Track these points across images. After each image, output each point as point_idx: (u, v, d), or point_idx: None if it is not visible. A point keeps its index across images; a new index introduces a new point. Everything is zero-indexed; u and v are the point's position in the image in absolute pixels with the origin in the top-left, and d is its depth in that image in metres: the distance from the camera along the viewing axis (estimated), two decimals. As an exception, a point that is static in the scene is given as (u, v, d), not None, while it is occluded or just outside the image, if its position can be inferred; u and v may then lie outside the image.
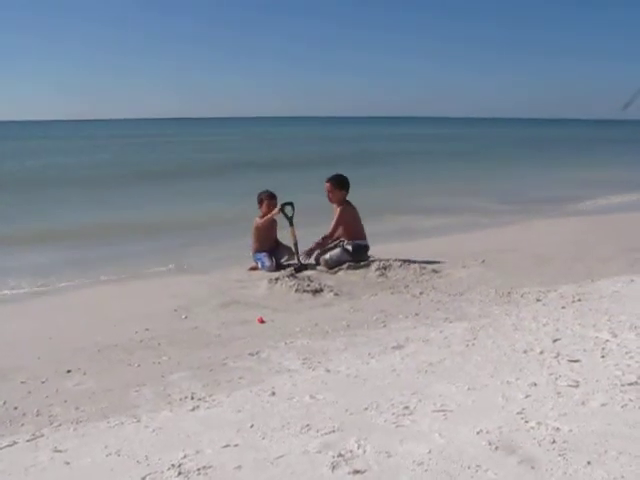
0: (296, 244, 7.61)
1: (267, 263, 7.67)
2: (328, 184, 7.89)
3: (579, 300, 5.69)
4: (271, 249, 7.93)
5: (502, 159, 28.71)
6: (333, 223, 7.78)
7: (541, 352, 4.27)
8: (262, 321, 5.57)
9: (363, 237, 7.82)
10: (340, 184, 7.87)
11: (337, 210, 7.82)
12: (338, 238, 7.87)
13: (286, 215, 7.78)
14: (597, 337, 4.51)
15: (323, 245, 7.81)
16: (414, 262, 7.42)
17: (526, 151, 37.07)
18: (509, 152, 35.41)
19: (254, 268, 7.76)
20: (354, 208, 7.89)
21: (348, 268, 7.36)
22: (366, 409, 3.47)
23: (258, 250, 7.90)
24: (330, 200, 7.93)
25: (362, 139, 53.68)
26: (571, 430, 3.03)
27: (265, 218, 7.97)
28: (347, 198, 7.90)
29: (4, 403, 3.96)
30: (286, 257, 7.93)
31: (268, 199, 8.03)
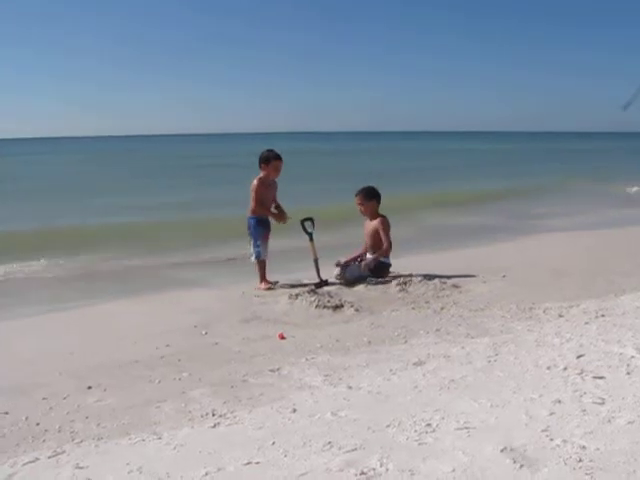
0: (316, 260, 7.59)
1: (258, 252, 7.63)
2: (358, 197, 7.98)
3: (602, 316, 5.63)
4: (265, 217, 7.78)
5: (502, 173, 28.49)
6: (384, 236, 7.78)
7: (565, 368, 4.22)
8: (283, 337, 5.55)
9: (387, 254, 7.80)
10: (369, 195, 7.95)
11: (375, 222, 7.87)
12: (365, 250, 7.90)
13: (306, 230, 7.78)
14: (622, 353, 4.45)
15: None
16: (434, 277, 7.39)
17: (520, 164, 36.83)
18: (506, 166, 35.13)
19: (264, 279, 7.62)
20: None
21: (368, 284, 7.34)
22: (388, 426, 3.43)
23: (256, 213, 7.68)
24: (363, 213, 8.01)
25: (363, 153, 53.69)
26: (598, 449, 2.98)
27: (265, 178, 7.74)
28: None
29: (26, 419, 3.97)
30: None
31: (276, 159, 7.77)
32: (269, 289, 7.44)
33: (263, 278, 7.62)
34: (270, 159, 7.76)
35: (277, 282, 7.62)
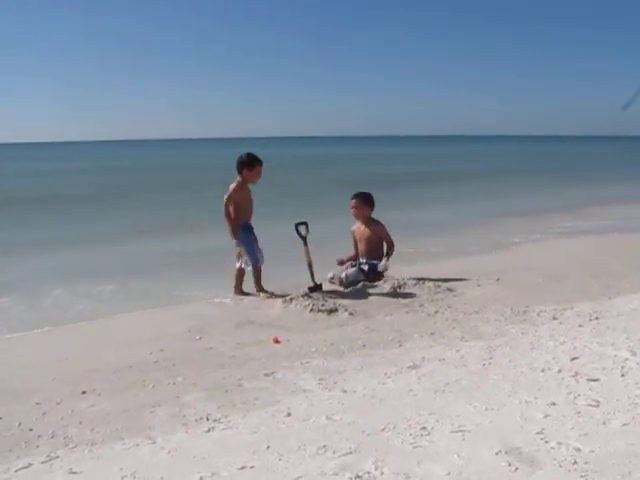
0: (310, 264, 7.58)
1: (256, 258, 7.42)
2: (354, 201, 8.13)
3: (596, 318, 5.64)
4: (249, 224, 7.58)
5: (500, 177, 28.43)
6: (389, 239, 7.95)
7: (559, 371, 4.23)
8: (277, 341, 5.54)
9: (380, 258, 7.85)
10: (365, 201, 8.11)
11: (375, 228, 7.99)
12: (357, 256, 7.95)
13: (300, 234, 7.76)
14: (616, 355, 4.46)
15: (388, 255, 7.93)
16: (429, 280, 7.39)
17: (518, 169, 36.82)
18: (505, 170, 35.09)
19: (262, 288, 7.48)
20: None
21: (363, 287, 7.34)
22: (383, 430, 3.43)
23: (240, 219, 7.43)
24: (356, 217, 8.14)
25: (354, 160, 53.58)
26: (593, 451, 2.98)
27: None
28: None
29: (19, 425, 3.95)
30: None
31: (260, 164, 7.58)
32: (269, 297, 7.26)
33: (261, 287, 7.49)
34: (254, 164, 7.57)
35: (273, 293, 7.48)
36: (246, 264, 7.50)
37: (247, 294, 7.55)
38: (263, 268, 7.59)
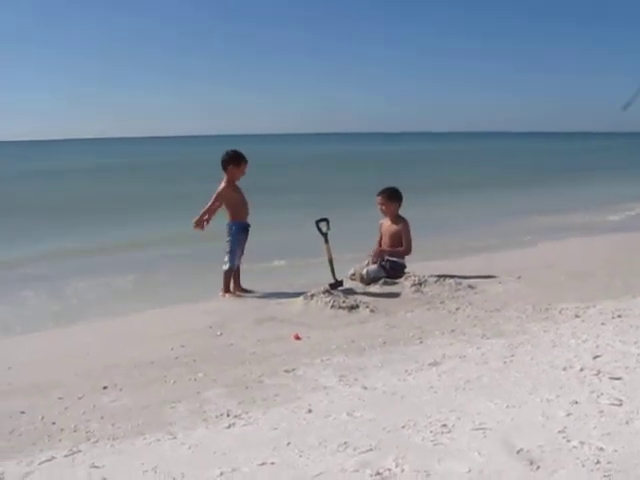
0: (331, 261, 7.57)
1: (233, 263, 7.43)
2: (379, 197, 8.11)
3: (619, 316, 5.58)
4: (246, 224, 7.60)
5: (515, 175, 28.15)
6: (407, 241, 7.92)
7: (581, 369, 4.19)
8: (298, 338, 5.55)
9: (402, 256, 7.86)
10: (391, 197, 8.09)
11: (398, 225, 8.00)
12: (383, 251, 7.93)
13: (321, 231, 7.76)
14: (639, 354, 4.41)
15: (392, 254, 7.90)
16: (450, 277, 7.36)
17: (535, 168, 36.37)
18: (519, 167, 34.70)
19: (228, 290, 7.47)
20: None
21: (384, 284, 7.33)
22: (404, 427, 3.42)
23: (237, 218, 7.48)
24: (384, 213, 8.15)
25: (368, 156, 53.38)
26: (616, 450, 2.95)
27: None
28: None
29: (42, 418, 3.99)
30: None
31: (246, 162, 7.58)
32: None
33: (227, 289, 7.48)
34: (240, 161, 7.54)
35: (251, 291, 7.59)
36: (224, 263, 7.46)
37: (246, 290, 7.59)
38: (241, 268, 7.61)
